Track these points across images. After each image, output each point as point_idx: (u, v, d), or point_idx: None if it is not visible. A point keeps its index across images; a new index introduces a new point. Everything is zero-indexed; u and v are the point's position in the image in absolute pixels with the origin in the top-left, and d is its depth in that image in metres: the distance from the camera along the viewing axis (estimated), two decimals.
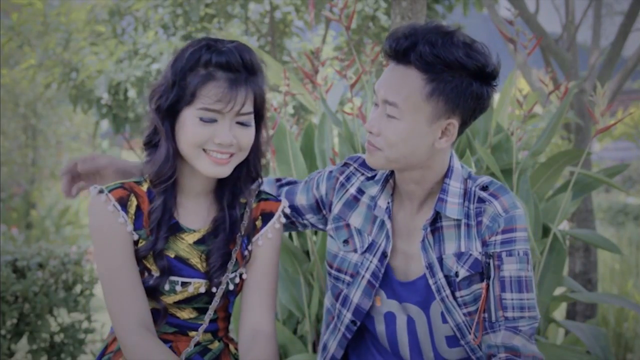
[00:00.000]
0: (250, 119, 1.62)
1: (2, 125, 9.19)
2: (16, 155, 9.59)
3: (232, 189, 1.70)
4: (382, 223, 1.74)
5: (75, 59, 5.10)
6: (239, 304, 1.84)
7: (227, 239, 1.69)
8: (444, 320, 1.71)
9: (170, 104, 1.58)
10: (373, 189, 1.76)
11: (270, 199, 1.78)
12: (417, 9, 2.63)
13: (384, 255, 1.73)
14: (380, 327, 1.79)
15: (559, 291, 3.48)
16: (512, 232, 1.64)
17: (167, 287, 1.64)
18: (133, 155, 7.23)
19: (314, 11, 3.40)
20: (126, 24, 5.45)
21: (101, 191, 1.63)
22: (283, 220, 1.78)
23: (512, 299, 1.62)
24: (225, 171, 1.62)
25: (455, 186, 1.68)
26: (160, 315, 1.68)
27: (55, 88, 5.36)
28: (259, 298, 1.72)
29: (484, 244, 1.66)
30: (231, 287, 1.71)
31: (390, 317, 1.77)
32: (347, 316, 1.79)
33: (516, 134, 2.49)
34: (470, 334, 1.69)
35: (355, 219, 1.79)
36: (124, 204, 1.62)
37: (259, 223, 1.75)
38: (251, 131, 1.62)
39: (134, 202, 1.64)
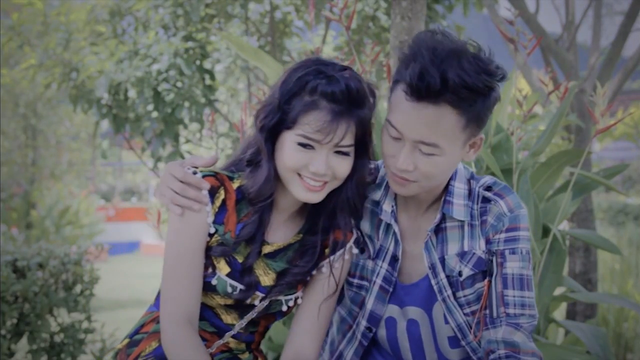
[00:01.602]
0: (350, 149, 1.59)
1: (2, 125, 9.19)
2: (16, 155, 9.60)
3: (330, 217, 1.69)
4: (388, 227, 1.75)
5: (76, 59, 5.10)
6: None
7: (312, 264, 1.69)
8: (446, 321, 1.72)
9: (274, 124, 1.57)
10: (376, 194, 1.76)
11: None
12: (417, 9, 2.63)
13: (394, 259, 1.74)
14: (382, 332, 1.80)
15: (559, 291, 3.47)
16: (516, 230, 1.66)
17: (228, 289, 1.63)
18: (133, 155, 7.23)
19: (314, 11, 3.40)
20: (126, 24, 5.44)
21: (195, 173, 1.63)
22: (355, 251, 1.75)
23: (514, 296, 1.63)
24: (317, 198, 1.60)
25: (459, 187, 1.69)
26: (222, 328, 1.68)
27: (55, 88, 5.35)
28: (309, 324, 1.71)
29: (488, 241, 1.67)
30: (284, 308, 1.71)
31: (390, 322, 1.77)
32: (363, 323, 1.79)
33: (516, 134, 2.49)
34: (470, 333, 1.70)
35: (364, 226, 1.79)
36: (212, 194, 1.62)
37: (327, 250, 1.72)
38: (348, 161, 1.59)
39: (221, 195, 1.63)
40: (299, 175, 1.57)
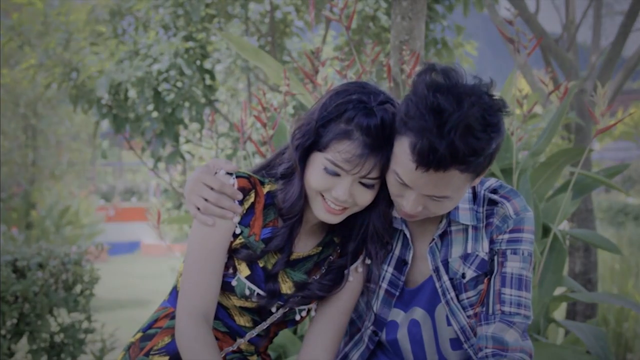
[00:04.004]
0: (375, 182, 1.59)
1: (2, 125, 9.20)
2: (16, 155, 9.60)
3: (359, 243, 1.71)
4: (393, 231, 1.75)
5: (76, 59, 5.10)
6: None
7: (334, 283, 1.71)
8: (449, 323, 1.73)
9: (308, 145, 1.59)
10: None
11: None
12: (417, 8, 2.63)
13: (402, 263, 1.74)
14: (383, 335, 1.80)
15: (559, 291, 3.48)
16: (519, 232, 1.66)
17: (246, 291, 1.64)
18: (133, 155, 7.22)
19: (314, 11, 3.40)
20: (127, 24, 5.45)
21: (230, 173, 1.64)
22: (367, 262, 1.75)
23: (511, 295, 1.64)
24: (335, 220, 1.61)
25: None
26: (235, 331, 1.70)
27: (56, 88, 5.36)
28: (325, 336, 1.72)
29: (491, 241, 1.68)
30: (297, 317, 1.73)
31: (392, 326, 1.78)
32: (369, 327, 1.80)
33: (516, 134, 2.50)
34: (473, 337, 1.71)
35: None
36: (243, 195, 1.64)
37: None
38: (372, 192, 1.60)
39: (251, 198, 1.64)
40: (322, 196, 1.59)
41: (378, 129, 1.53)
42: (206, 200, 1.61)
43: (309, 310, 1.74)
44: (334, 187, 1.56)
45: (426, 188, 1.52)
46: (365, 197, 1.60)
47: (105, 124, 7.27)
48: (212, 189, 1.61)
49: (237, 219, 1.62)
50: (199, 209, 1.62)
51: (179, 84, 4.95)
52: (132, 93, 5.01)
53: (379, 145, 1.54)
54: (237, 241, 1.63)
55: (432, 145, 1.44)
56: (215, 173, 1.65)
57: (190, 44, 5.04)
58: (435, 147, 1.44)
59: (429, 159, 1.45)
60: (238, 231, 1.63)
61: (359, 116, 1.54)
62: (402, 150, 1.51)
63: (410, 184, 1.53)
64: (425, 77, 1.50)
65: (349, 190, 1.56)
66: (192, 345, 1.56)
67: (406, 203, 1.56)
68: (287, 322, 1.74)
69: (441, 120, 1.44)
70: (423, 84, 1.49)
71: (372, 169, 1.55)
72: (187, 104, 4.99)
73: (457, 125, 1.43)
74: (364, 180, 1.57)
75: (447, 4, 5.46)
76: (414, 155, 1.47)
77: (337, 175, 1.56)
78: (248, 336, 1.71)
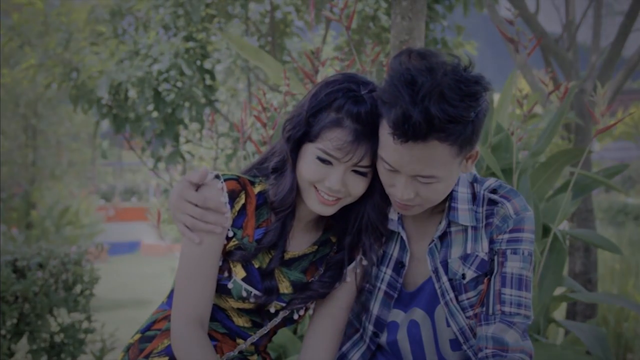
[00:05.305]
0: (368, 170, 1.59)
1: (2, 125, 9.20)
2: (16, 155, 9.60)
3: (355, 237, 1.70)
4: (390, 233, 1.75)
5: (76, 59, 5.11)
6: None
7: (334, 280, 1.71)
8: (448, 324, 1.73)
9: (299, 136, 1.58)
10: None
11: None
12: (417, 8, 2.63)
13: (400, 265, 1.74)
14: (383, 336, 1.80)
15: (559, 291, 3.48)
16: (519, 232, 1.66)
17: (243, 293, 1.64)
18: (133, 155, 7.22)
19: (315, 11, 3.40)
20: (127, 24, 5.45)
21: (217, 177, 1.63)
22: (364, 262, 1.75)
23: (511, 295, 1.63)
24: (328, 211, 1.61)
25: (463, 192, 1.69)
26: (234, 331, 1.70)
27: (56, 88, 5.37)
28: (325, 336, 1.73)
29: (491, 241, 1.67)
30: (295, 316, 1.73)
31: (392, 327, 1.78)
32: (370, 328, 1.80)
33: (516, 134, 2.50)
34: (473, 338, 1.71)
35: None
36: (233, 198, 1.62)
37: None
38: (365, 181, 1.60)
39: (242, 199, 1.64)
40: (315, 187, 1.59)
41: (368, 115, 1.54)
42: (192, 217, 1.59)
43: (306, 309, 1.74)
44: (326, 177, 1.56)
45: (411, 166, 1.51)
46: (358, 187, 1.60)
47: (105, 124, 7.27)
48: (195, 205, 1.60)
49: (228, 223, 1.61)
50: (187, 226, 1.60)
51: (179, 84, 4.95)
52: (132, 93, 5.01)
53: (370, 132, 1.54)
54: (231, 244, 1.63)
55: (405, 113, 1.44)
56: (200, 186, 1.62)
57: (191, 44, 5.04)
58: (409, 114, 1.43)
59: (405, 128, 1.45)
60: (231, 234, 1.62)
61: (348, 104, 1.54)
62: (383, 129, 1.52)
63: (395, 164, 1.52)
64: (401, 57, 1.52)
65: (342, 179, 1.56)
66: (187, 350, 1.56)
67: (398, 191, 1.56)
68: (286, 321, 1.74)
69: (414, 89, 1.44)
70: (398, 63, 1.50)
71: (364, 156, 1.55)
72: (187, 104, 5.00)
73: (430, 92, 1.43)
74: (356, 169, 1.57)
75: (447, 4, 5.45)
76: (390, 128, 1.47)
77: (330, 164, 1.56)
78: (249, 341, 1.71)
